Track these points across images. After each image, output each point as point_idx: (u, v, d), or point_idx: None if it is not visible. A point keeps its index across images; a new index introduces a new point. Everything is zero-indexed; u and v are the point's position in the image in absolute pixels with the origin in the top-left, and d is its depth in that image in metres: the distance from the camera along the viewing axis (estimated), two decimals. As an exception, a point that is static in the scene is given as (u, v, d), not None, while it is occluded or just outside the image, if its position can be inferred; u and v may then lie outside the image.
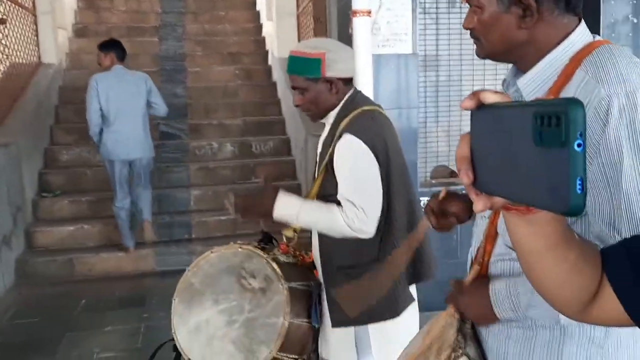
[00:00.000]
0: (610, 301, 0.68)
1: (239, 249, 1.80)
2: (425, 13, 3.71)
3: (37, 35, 6.33)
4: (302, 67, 1.77)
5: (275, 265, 1.74)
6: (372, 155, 1.70)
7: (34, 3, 6.25)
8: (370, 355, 1.84)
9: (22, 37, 5.85)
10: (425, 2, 3.70)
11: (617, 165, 0.91)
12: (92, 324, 3.69)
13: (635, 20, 3.90)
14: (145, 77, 4.72)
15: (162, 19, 8.09)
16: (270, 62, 7.41)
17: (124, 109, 4.51)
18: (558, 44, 1.02)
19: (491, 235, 1.10)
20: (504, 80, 1.13)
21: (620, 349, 1.00)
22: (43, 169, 5.57)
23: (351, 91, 1.84)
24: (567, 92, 0.98)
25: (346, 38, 3.45)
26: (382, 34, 3.57)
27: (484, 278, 1.11)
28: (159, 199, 5.34)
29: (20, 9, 5.81)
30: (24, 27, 5.93)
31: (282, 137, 6.27)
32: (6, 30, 5.31)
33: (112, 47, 4.62)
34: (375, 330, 1.80)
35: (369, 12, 3.21)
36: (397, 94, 3.66)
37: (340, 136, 1.72)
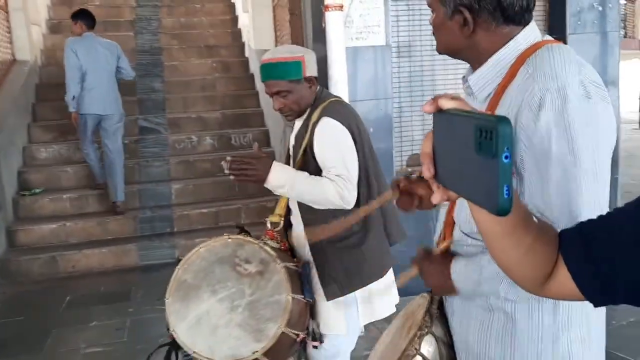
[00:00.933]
0: (565, 278, 0.75)
1: (229, 240, 1.88)
2: (397, 2, 3.77)
3: (10, 32, 6.26)
4: (284, 71, 1.90)
5: (268, 248, 1.84)
6: (348, 132, 1.89)
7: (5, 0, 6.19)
8: (356, 316, 2.01)
9: (-5, 35, 5.80)
10: (397, -7, 3.76)
11: (547, 156, 0.98)
12: (78, 320, 3.73)
13: (600, 8, 4.02)
14: (115, 45, 5.25)
15: (137, 12, 8.05)
16: (247, 54, 7.43)
17: (98, 69, 5.00)
18: (501, 47, 1.10)
19: (449, 223, 1.19)
20: (464, 76, 1.21)
21: (572, 328, 1.08)
22: (22, 167, 5.56)
23: (317, 87, 2.01)
24: (512, 89, 1.05)
25: (320, 32, 3.51)
26: (355, 27, 3.63)
27: (449, 254, 1.20)
28: (140, 194, 5.37)
29: (-8, 6, 5.76)
30: (-3, 25, 5.87)
31: (261, 129, 6.32)
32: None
33: (81, 16, 5.12)
34: (361, 295, 1.99)
35: (341, 7, 3.29)
36: (372, 85, 3.73)
37: (316, 122, 1.89)
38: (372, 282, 1.98)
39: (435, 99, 0.67)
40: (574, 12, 3.97)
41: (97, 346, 3.34)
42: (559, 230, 0.80)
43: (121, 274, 4.69)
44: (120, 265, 4.81)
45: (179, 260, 1.90)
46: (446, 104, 0.66)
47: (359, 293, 1.99)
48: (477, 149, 0.59)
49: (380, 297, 2.03)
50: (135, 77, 6.23)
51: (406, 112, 3.96)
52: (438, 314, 1.21)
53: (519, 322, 1.09)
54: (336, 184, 1.84)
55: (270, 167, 1.85)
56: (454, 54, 1.18)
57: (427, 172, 0.68)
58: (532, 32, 1.12)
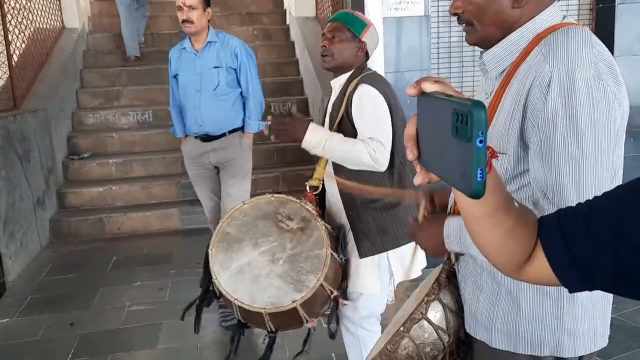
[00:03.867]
0: (542, 263, 0.76)
1: (272, 198, 1.99)
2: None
3: (59, 0, 6.44)
4: (351, 21, 2.08)
5: (310, 207, 1.94)
6: (383, 99, 1.99)
7: (55, -32, 6.35)
8: (387, 277, 2.13)
9: (45, 2, 5.97)
10: (438, -37, 3.69)
11: (551, 137, 0.99)
12: (123, 279, 3.94)
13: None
14: None
15: (180, -21, 8.09)
16: (288, 21, 7.42)
17: None
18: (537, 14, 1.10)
19: None
20: (481, 52, 1.20)
21: (576, 302, 1.11)
22: (71, 132, 5.79)
23: (363, 61, 2.13)
24: (524, 68, 1.06)
25: (359, 1, 3.50)
26: (395, -3, 3.60)
27: (441, 215, 1.23)
28: (183, 161, 5.51)
29: (42, -26, 5.92)
30: (47, -7, 6.04)
31: (300, 97, 6.35)
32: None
33: None
34: (394, 256, 2.10)
35: (380, -23, 3.26)
36: (410, 56, 3.71)
37: (355, 89, 2.00)
38: (404, 243, 2.05)
39: (418, 81, 0.67)
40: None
41: (141, 304, 3.53)
42: (556, 209, 0.82)
43: (164, 236, 4.89)
44: (163, 229, 5.01)
45: None
46: (429, 87, 0.66)
47: (391, 254, 2.08)
48: (454, 133, 0.60)
49: (412, 258, 2.12)
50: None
51: (444, 84, 3.93)
52: (447, 283, 1.24)
53: (523, 294, 1.13)
54: (368, 145, 1.92)
55: (306, 127, 1.96)
56: (500, 34, 1.13)
57: (411, 154, 0.70)
58: (554, 14, 1.12)
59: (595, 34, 1.09)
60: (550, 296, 1.11)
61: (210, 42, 3.34)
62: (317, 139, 1.96)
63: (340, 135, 1.99)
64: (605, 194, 0.73)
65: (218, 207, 3.55)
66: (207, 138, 3.40)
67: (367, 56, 2.12)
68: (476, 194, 0.60)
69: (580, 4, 4.09)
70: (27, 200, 4.39)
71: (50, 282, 3.97)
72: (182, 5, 3.19)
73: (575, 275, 0.72)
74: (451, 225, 1.18)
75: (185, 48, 3.37)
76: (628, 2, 3.85)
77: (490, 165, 0.69)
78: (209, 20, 3.32)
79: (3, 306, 3.58)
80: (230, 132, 3.42)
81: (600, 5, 4.00)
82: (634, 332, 2.90)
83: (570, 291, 0.76)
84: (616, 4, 3.84)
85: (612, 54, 3.86)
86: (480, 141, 0.58)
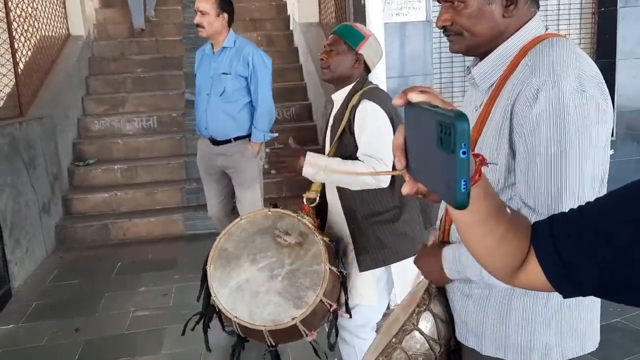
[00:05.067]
0: (536, 268, 0.76)
1: (269, 212, 1.99)
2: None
3: (64, 8, 6.50)
4: (348, 33, 2.09)
5: (307, 221, 1.94)
6: (386, 116, 1.99)
7: (60, -24, 6.40)
8: (388, 294, 2.15)
9: (51, 10, 6.03)
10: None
11: (536, 147, 1.01)
12: (128, 285, 3.96)
13: (654, -21, 3.84)
14: None
15: (184, -14, 8.16)
16: (291, 27, 7.45)
17: None
18: (514, 32, 1.12)
19: (448, 211, 1.23)
20: (467, 67, 1.22)
21: (564, 306, 1.12)
22: (76, 138, 5.83)
23: (362, 72, 2.13)
24: (512, 80, 1.08)
25: (360, 7, 3.51)
26: (396, 2, 3.62)
27: (443, 243, 1.24)
28: (187, 166, 5.55)
29: (48, -17, 5.97)
30: (52, 0, 6.09)
31: (303, 102, 6.37)
32: (35, 4, 5.49)
33: None
34: (397, 271, 2.11)
35: (381, -18, 3.27)
36: (412, 61, 3.72)
37: (357, 104, 2.00)
38: (405, 258, 2.05)
39: (405, 91, 0.67)
40: (625, -16, 3.82)
41: (145, 310, 3.55)
42: (539, 218, 0.82)
43: (168, 242, 4.91)
44: (168, 234, 5.03)
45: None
46: (415, 97, 0.66)
47: (394, 268, 2.09)
48: (439, 144, 0.60)
49: (414, 272, 2.11)
50: (183, 51, 6.39)
51: (447, 89, 3.94)
52: (437, 293, 1.25)
53: (512, 299, 1.14)
54: (368, 164, 1.92)
55: (304, 159, 1.97)
56: (490, 43, 1.15)
57: (399, 163, 0.70)
58: (538, 25, 1.14)
59: (597, 38, 1.11)
60: (539, 301, 1.12)
61: (225, 47, 3.35)
62: (316, 168, 1.97)
63: (339, 160, 1.99)
64: (597, 199, 0.73)
65: (221, 207, 3.57)
66: (214, 141, 3.42)
67: (367, 69, 2.12)
68: (460, 205, 0.61)
69: (582, 8, 4.10)
70: (32, 206, 4.42)
71: (55, 288, 3.99)
72: (196, 9, 3.26)
73: (566, 280, 0.72)
74: (447, 251, 1.19)
75: (206, 50, 3.42)
76: (630, 5, 3.85)
77: (479, 172, 0.70)
78: (229, 25, 3.33)
79: (9, 312, 3.60)
80: (237, 139, 3.40)
81: (603, 9, 4.01)
82: (638, 336, 2.89)
83: (564, 296, 0.76)
84: (618, 7, 3.85)
85: (614, 57, 3.87)
86: (464, 152, 0.58)
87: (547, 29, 1.15)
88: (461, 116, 0.58)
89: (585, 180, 1.01)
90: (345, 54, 2.07)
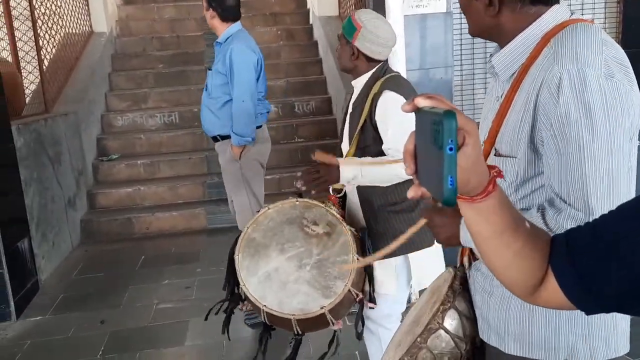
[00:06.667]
0: (555, 286, 0.73)
1: (297, 202, 1.99)
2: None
3: (87, 5, 6.58)
4: (344, 27, 2.10)
5: (334, 211, 1.94)
6: None
7: (83, -27, 6.49)
8: (405, 278, 2.15)
9: (74, 8, 6.11)
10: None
11: (565, 137, 0.98)
12: (151, 278, 4.03)
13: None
14: None
15: (205, -19, 8.18)
16: (311, 21, 7.44)
17: None
18: (527, 26, 1.09)
19: None
20: (490, 55, 1.20)
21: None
22: (100, 134, 5.92)
23: (380, 64, 2.10)
24: (534, 69, 1.05)
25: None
26: (417, -6, 3.59)
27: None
28: (208, 160, 5.60)
29: (71, -20, 6.06)
30: (75, -2, 6.19)
31: (323, 96, 6.37)
32: (58, 1, 5.57)
33: None
34: (415, 261, 2.11)
35: (401, -26, 3.25)
36: (433, 53, 3.69)
37: (379, 94, 1.98)
38: (422, 248, 2.05)
39: (413, 98, 0.68)
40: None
41: (168, 302, 3.60)
42: (572, 211, 0.80)
43: (190, 236, 4.97)
44: (190, 228, 5.09)
45: None
46: (422, 103, 0.67)
47: (413, 258, 2.09)
48: (433, 142, 0.62)
49: (432, 263, 2.12)
50: (204, 47, 6.41)
51: (467, 81, 3.90)
52: (461, 289, 1.23)
53: None
54: (397, 157, 1.91)
55: (338, 167, 1.94)
56: (482, 34, 1.17)
57: (408, 169, 0.70)
58: (559, 12, 1.10)
59: (622, 25, 1.07)
60: None
61: (219, 42, 3.35)
62: (351, 174, 1.95)
63: (370, 159, 1.99)
64: (611, 211, 0.71)
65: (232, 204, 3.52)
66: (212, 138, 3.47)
67: (368, 59, 2.07)
68: (447, 201, 0.61)
69: (607, -4, 4.02)
70: (58, 201, 4.50)
71: (81, 281, 4.07)
72: None
73: (583, 294, 0.70)
74: None
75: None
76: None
77: (494, 183, 0.69)
78: (224, 20, 3.31)
79: (36, 304, 3.69)
80: (223, 138, 3.31)
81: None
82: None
83: (587, 313, 0.73)
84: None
85: (640, 46, 3.78)
86: (450, 149, 0.59)
87: (572, 14, 1.11)
88: (449, 113, 0.59)
89: (620, 166, 0.97)
90: (344, 47, 2.10)
